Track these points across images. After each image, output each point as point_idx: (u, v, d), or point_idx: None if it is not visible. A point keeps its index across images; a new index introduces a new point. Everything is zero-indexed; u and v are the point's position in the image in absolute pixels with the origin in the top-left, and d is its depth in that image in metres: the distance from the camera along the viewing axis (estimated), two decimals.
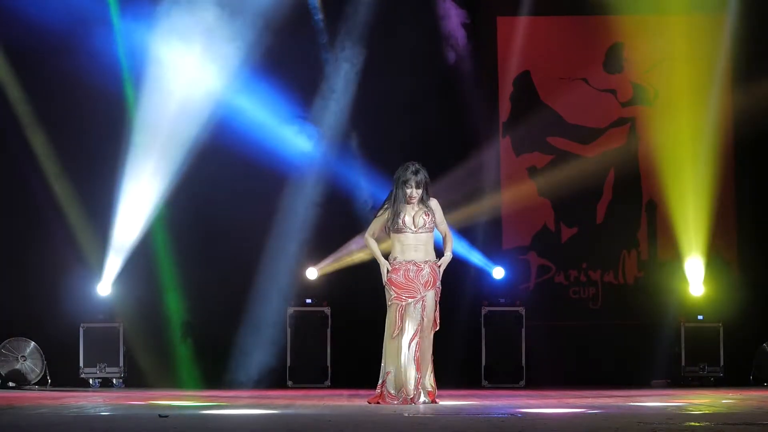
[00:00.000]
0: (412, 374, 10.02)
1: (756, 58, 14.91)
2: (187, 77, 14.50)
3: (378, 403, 10.04)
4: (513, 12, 15.37)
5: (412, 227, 10.13)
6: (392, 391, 10.05)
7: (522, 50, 15.43)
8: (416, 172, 10.14)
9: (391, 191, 10.23)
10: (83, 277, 14.62)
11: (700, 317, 14.65)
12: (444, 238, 10.35)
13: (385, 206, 10.24)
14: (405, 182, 10.13)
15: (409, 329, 10.05)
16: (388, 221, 10.18)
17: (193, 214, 14.76)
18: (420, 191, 10.14)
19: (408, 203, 10.14)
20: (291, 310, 14.58)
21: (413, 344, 10.03)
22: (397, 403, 9.97)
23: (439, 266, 10.20)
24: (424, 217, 10.14)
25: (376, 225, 10.30)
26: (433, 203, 10.24)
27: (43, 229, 14.67)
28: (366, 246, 10.43)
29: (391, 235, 10.22)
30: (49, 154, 14.71)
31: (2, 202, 14.80)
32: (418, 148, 13.57)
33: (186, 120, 14.55)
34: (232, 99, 14.68)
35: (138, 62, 14.58)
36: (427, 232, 10.17)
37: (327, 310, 14.56)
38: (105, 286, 14.57)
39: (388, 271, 10.14)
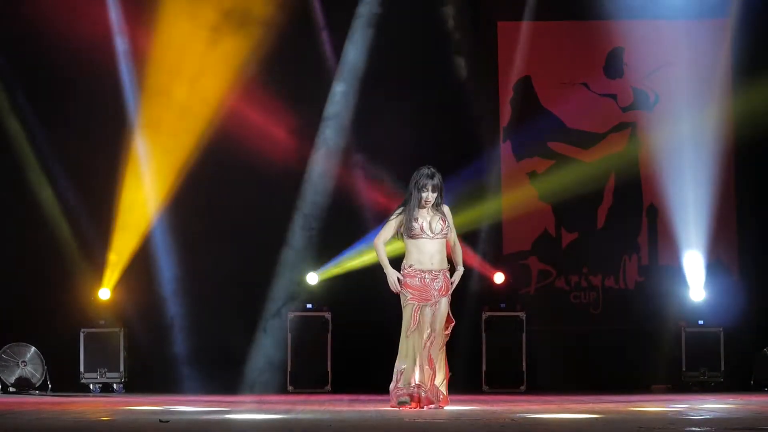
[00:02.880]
0: (428, 373, 10.01)
1: (756, 63, 14.92)
2: (190, 80, 14.52)
3: (393, 406, 10.01)
4: (514, 17, 15.37)
5: (429, 233, 10.09)
6: (402, 387, 10.02)
7: (523, 55, 15.44)
8: (432, 176, 10.13)
9: (406, 196, 10.20)
10: (84, 281, 14.62)
11: (700, 322, 14.65)
12: (453, 248, 10.31)
13: (399, 211, 10.21)
14: (422, 187, 10.10)
15: (423, 331, 10.04)
16: (402, 227, 10.14)
17: (194, 219, 14.77)
18: (435, 195, 10.12)
19: (422, 207, 10.12)
20: (291, 314, 14.58)
21: (426, 345, 10.03)
22: (406, 393, 9.92)
23: (452, 282, 10.20)
24: (441, 222, 10.11)
25: (388, 230, 10.23)
26: (446, 209, 10.22)
27: (43, 234, 14.67)
28: (375, 251, 10.33)
29: (406, 240, 10.18)
30: (50, 157, 14.71)
31: (2, 206, 14.79)
32: (418, 153, 13.56)
33: (188, 123, 14.57)
34: (235, 103, 14.69)
35: (139, 64, 14.61)
36: (443, 238, 10.14)
37: (327, 315, 14.56)
38: (106, 291, 14.57)
39: (399, 280, 10.10)
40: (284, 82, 14.71)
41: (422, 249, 10.11)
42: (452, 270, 10.25)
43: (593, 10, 15.02)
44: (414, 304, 10.08)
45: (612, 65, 15.43)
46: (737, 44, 15.07)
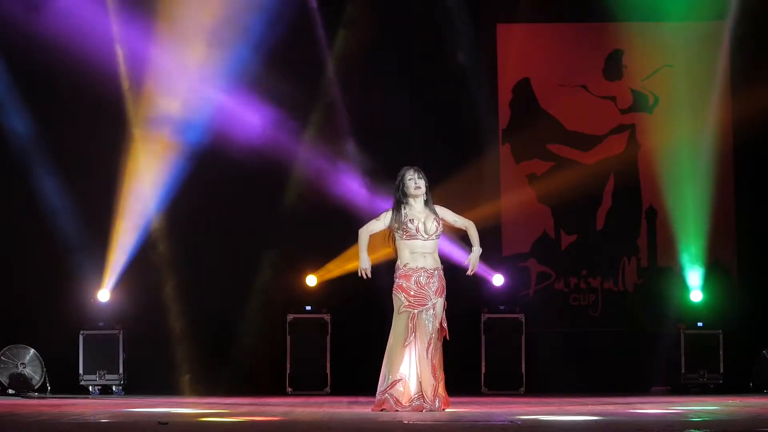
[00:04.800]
0: (430, 382, 9.98)
1: (755, 65, 14.93)
2: (187, 82, 14.53)
3: (382, 410, 9.98)
4: (513, 19, 15.39)
5: (424, 234, 10.10)
6: (404, 402, 9.96)
7: (522, 57, 15.46)
8: (416, 170, 10.17)
9: (395, 200, 10.19)
10: (83, 284, 14.61)
11: (699, 324, 14.65)
12: (468, 229, 10.33)
13: (391, 215, 10.17)
14: (409, 179, 10.12)
15: (423, 338, 10.01)
16: (395, 226, 10.10)
17: (193, 220, 14.77)
18: (423, 182, 10.13)
19: (416, 195, 10.09)
20: (290, 317, 14.58)
21: (428, 353, 10.01)
22: (409, 409, 9.90)
23: (470, 262, 10.22)
24: (435, 223, 10.13)
25: (376, 223, 10.23)
26: (439, 208, 10.24)
27: (42, 236, 14.67)
28: (358, 238, 10.23)
29: (399, 242, 10.16)
30: (49, 160, 14.71)
31: (2, 209, 14.79)
32: (417, 155, 13.55)
33: (186, 126, 14.58)
34: (232, 104, 14.69)
35: (138, 67, 14.61)
36: (436, 238, 10.16)
37: (327, 317, 14.56)
38: (105, 293, 14.57)
39: (399, 279, 10.09)
40: (283, 81, 14.68)
41: (414, 250, 10.11)
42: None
43: (592, 12, 15.02)
44: (410, 312, 10.05)
45: (611, 67, 15.44)
46: (735, 46, 15.08)
